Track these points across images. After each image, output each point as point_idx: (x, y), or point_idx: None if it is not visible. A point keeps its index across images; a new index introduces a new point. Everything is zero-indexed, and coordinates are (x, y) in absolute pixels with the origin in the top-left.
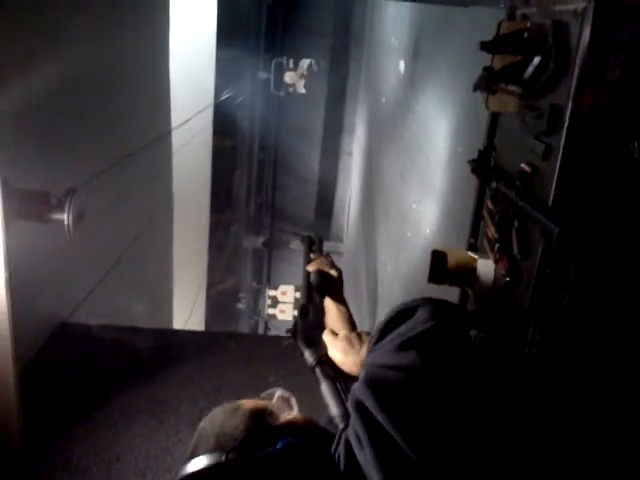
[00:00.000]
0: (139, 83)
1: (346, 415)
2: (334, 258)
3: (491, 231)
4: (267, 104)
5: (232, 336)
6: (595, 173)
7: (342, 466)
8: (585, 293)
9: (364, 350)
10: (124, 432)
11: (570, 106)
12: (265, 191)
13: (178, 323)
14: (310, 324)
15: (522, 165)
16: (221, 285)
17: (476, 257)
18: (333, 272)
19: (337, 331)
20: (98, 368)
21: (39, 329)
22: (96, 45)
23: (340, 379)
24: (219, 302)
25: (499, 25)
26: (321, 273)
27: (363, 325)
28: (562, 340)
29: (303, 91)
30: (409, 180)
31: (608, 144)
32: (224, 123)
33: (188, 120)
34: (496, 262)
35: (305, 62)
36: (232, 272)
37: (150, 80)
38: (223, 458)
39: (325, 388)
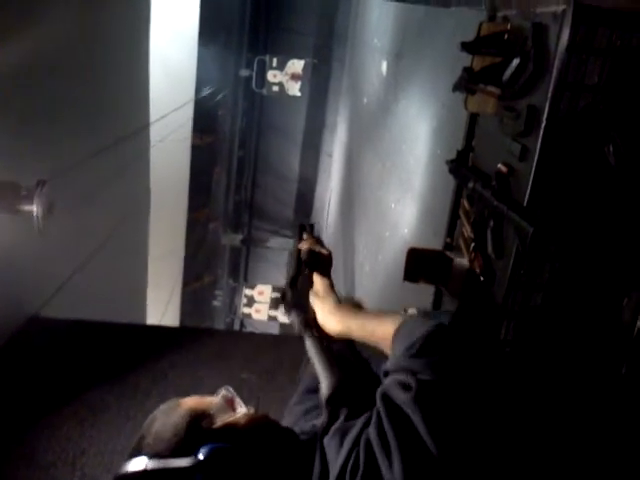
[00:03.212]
0: (117, 74)
1: (331, 372)
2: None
3: (467, 231)
4: (248, 102)
5: (206, 332)
6: (570, 175)
7: (361, 463)
8: (558, 293)
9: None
10: (90, 427)
11: (547, 108)
12: (244, 189)
13: (152, 319)
14: (298, 292)
15: (499, 165)
16: (197, 282)
17: (452, 256)
18: (323, 251)
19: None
20: (67, 363)
21: (6, 323)
22: (72, 32)
23: (324, 338)
24: (195, 299)
25: (480, 26)
26: (311, 251)
27: None
28: (535, 339)
29: (298, 94)
30: (389, 180)
31: (584, 147)
32: (204, 120)
33: (167, 115)
34: (471, 261)
35: (297, 63)
36: (209, 269)
37: (129, 72)
38: (144, 466)
39: (310, 344)
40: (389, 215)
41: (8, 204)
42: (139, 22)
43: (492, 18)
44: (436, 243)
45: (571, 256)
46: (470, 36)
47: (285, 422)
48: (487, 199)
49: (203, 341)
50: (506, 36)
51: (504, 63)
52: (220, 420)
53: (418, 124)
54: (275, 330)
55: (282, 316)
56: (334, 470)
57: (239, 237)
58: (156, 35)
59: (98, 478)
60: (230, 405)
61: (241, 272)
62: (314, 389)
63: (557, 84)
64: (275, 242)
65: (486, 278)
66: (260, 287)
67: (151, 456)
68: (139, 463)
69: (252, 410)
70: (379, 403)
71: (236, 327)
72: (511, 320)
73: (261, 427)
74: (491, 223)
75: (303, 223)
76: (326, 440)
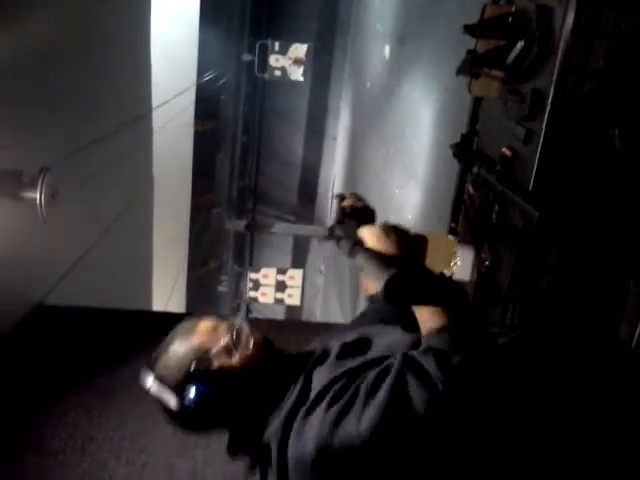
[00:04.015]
0: (118, 60)
1: (387, 268)
2: (316, 243)
3: (471, 216)
4: (251, 87)
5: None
6: (575, 158)
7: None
8: (564, 277)
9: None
10: (98, 414)
11: (552, 91)
12: (248, 174)
13: (158, 305)
14: (344, 228)
15: (503, 150)
16: (202, 268)
17: (456, 241)
18: (367, 205)
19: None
20: (73, 350)
21: (12, 311)
22: (73, 18)
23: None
24: (200, 285)
25: (483, 9)
26: (354, 207)
27: (345, 315)
28: (540, 323)
29: (300, 78)
30: (392, 165)
31: (589, 130)
32: (207, 105)
33: (169, 100)
34: (476, 247)
35: (300, 47)
36: (214, 255)
37: (130, 58)
38: (149, 386)
39: (362, 260)
40: (393, 200)
41: (11, 191)
42: (139, 7)
43: (496, 0)
44: (440, 228)
45: (577, 240)
46: (474, 19)
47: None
48: (492, 183)
49: None
50: (510, 19)
51: (508, 46)
52: (218, 362)
53: (422, 108)
54: (281, 313)
55: (288, 299)
56: (314, 390)
57: (243, 222)
58: (157, 20)
59: (107, 464)
60: (239, 342)
61: (246, 257)
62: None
63: (562, 67)
64: (279, 227)
65: (492, 263)
66: (265, 270)
67: (156, 378)
68: (148, 380)
69: (256, 332)
70: (399, 360)
71: (242, 312)
72: (517, 304)
73: (251, 369)
74: (496, 208)
75: (343, 194)
76: (317, 370)
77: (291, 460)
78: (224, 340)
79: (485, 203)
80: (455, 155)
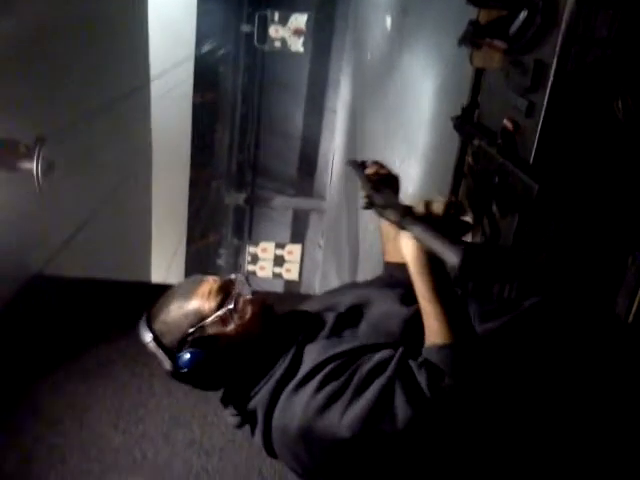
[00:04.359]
0: (116, 30)
1: (454, 245)
2: (316, 216)
3: (471, 189)
4: (250, 59)
5: None
6: (578, 132)
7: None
8: (563, 251)
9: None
10: (96, 384)
11: (555, 63)
12: (247, 147)
13: (157, 277)
14: (384, 194)
15: (504, 122)
16: (201, 241)
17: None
18: (391, 172)
19: None
20: (72, 321)
21: (10, 281)
22: None
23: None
24: (199, 258)
25: None
26: (379, 175)
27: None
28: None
29: (300, 50)
30: (393, 138)
31: (592, 102)
32: (205, 76)
33: (167, 71)
34: (475, 220)
35: (300, 17)
36: (213, 228)
37: (127, 28)
38: (147, 341)
39: (421, 231)
40: None
41: (7, 162)
42: None
43: None
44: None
45: (577, 214)
46: None
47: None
48: (492, 156)
49: None
50: None
51: (511, 16)
52: (214, 329)
53: (423, 81)
54: (280, 287)
55: (286, 273)
56: (306, 366)
57: (242, 196)
58: None
59: (105, 433)
60: (235, 309)
61: (245, 231)
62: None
63: (566, 37)
64: (279, 201)
65: (490, 237)
66: (263, 244)
67: (152, 336)
68: (146, 335)
69: (256, 297)
70: (394, 363)
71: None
72: (515, 278)
73: (246, 336)
74: (496, 180)
75: (355, 160)
76: (310, 345)
77: (276, 430)
78: (222, 310)
79: (485, 176)
80: (456, 128)
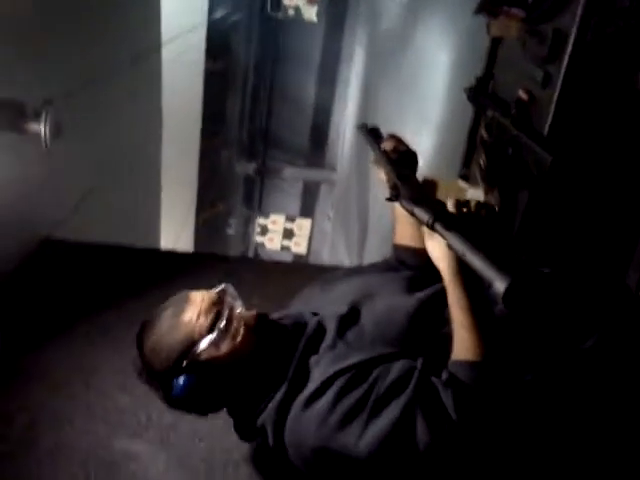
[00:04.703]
0: None
1: (499, 267)
2: (327, 187)
3: (483, 161)
4: (264, 27)
5: (218, 258)
6: (595, 104)
7: (451, 403)
8: (575, 224)
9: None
10: (102, 347)
11: (575, 32)
12: (259, 117)
13: (166, 245)
14: (412, 185)
15: (519, 93)
16: (211, 210)
17: (467, 187)
18: (410, 149)
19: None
20: (80, 285)
21: (19, 245)
22: None
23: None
24: (209, 227)
25: None
26: (399, 151)
27: (352, 257)
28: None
29: (314, 19)
30: (406, 111)
31: (611, 74)
32: (218, 44)
33: (179, 36)
34: (486, 192)
35: None
36: (223, 198)
37: None
38: (139, 370)
39: (454, 238)
40: None
41: (14, 123)
42: None
43: None
44: (451, 175)
45: (590, 188)
46: None
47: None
48: (506, 127)
49: (214, 267)
50: None
51: None
52: (206, 354)
53: (437, 52)
54: (288, 259)
55: (295, 247)
56: (315, 380)
57: (253, 166)
58: None
59: (111, 395)
60: (227, 330)
61: (255, 201)
62: (394, 267)
63: (586, 6)
64: (289, 172)
65: (502, 209)
66: (273, 216)
67: (143, 368)
68: (137, 368)
69: (248, 313)
70: (416, 378)
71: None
72: (525, 250)
73: (241, 355)
74: (509, 152)
75: (366, 124)
76: (315, 356)
77: (290, 447)
78: (214, 334)
79: (498, 148)
80: (469, 99)
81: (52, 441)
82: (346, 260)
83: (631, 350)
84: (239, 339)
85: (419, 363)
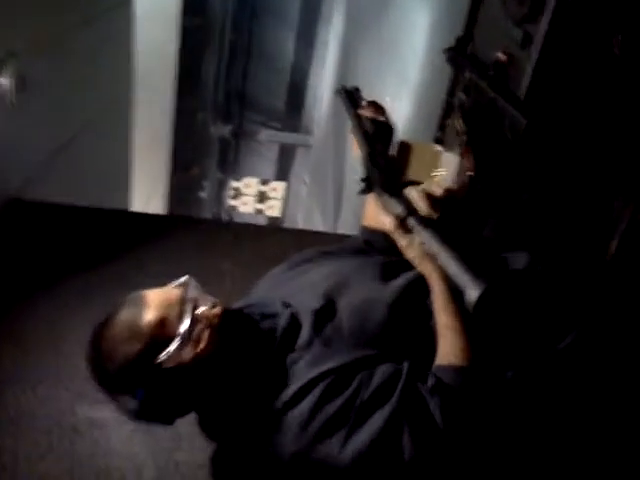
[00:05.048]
0: None
1: (472, 273)
2: (303, 151)
3: (459, 124)
4: None
5: (189, 221)
6: (573, 66)
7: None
8: (547, 192)
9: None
10: (74, 310)
11: None
12: (235, 77)
13: (138, 207)
14: (384, 171)
15: (498, 54)
16: (185, 172)
17: (442, 150)
18: (387, 120)
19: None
20: (48, 247)
21: None
22: None
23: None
24: (182, 189)
25: None
26: (375, 121)
27: (327, 222)
28: (519, 235)
29: None
30: (385, 73)
31: (591, 36)
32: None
33: None
34: (461, 156)
35: None
36: (197, 160)
37: None
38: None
39: (428, 237)
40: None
41: None
42: None
43: None
44: (427, 137)
45: (565, 153)
46: None
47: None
48: (483, 90)
49: (186, 230)
50: None
51: None
52: (167, 363)
53: (418, 13)
54: (262, 223)
55: (268, 210)
56: (293, 385)
57: (229, 128)
58: None
59: (78, 363)
60: (189, 337)
61: (230, 165)
62: (361, 249)
63: None
64: (265, 135)
65: (476, 173)
66: (247, 180)
67: (99, 383)
68: (93, 382)
69: (214, 308)
70: (401, 384)
71: (223, 219)
72: (497, 216)
73: (207, 358)
74: (486, 115)
75: (345, 86)
76: (292, 355)
77: (267, 453)
78: (173, 346)
79: (475, 111)
80: (448, 60)
81: (13, 408)
82: (321, 225)
83: (611, 345)
84: (202, 345)
85: (405, 368)
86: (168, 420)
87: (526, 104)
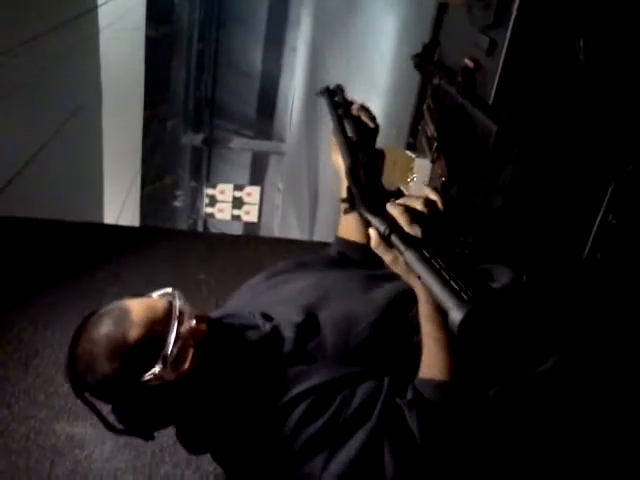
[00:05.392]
0: None
1: (457, 298)
2: (275, 158)
3: (430, 130)
4: None
5: (163, 232)
6: (539, 71)
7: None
8: (519, 196)
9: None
10: (43, 327)
11: None
12: (205, 85)
13: (110, 219)
14: (364, 188)
15: (465, 60)
16: (157, 182)
17: (413, 156)
18: (370, 122)
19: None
20: (19, 261)
21: None
22: None
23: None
24: (155, 199)
25: None
26: (359, 124)
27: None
28: (494, 242)
29: None
30: (354, 78)
31: (554, 41)
32: (159, 8)
33: None
34: (433, 162)
35: None
36: (169, 169)
37: None
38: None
39: (411, 257)
40: None
41: None
42: None
43: None
44: (399, 143)
45: (535, 158)
46: None
47: (268, 296)
48: (452, 96)
49: (160, 241)
50: None
51: None
52: (149, 382)
53: (385, 19)
54: (239, 229)
55: (245, 215)
56: (274, 402)
57: (200, 137)
58: None
59: (53, 378)
60: (173, 357)
61: (203, 172)
62: (334, 261)
63: None
64: (237, 142)
65: (448, 179)
66: (222, 186)
67: (74, 386)
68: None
69: (200, 324)
70: (381, 402)
71: (199, 228)
72: (471, 222)
73: (185, 378)
74: (455, 121)
75: (329, 87)
76: (274, 370)
77: (249, 469)
78: (156, 368)
79: (444, 117)
80: (416, 66)
81: None
82: (297, 231)
83: (595, 366)
84: (187, 364)
85: (385, 384)
86: (147, 435)
87: (495, 110)
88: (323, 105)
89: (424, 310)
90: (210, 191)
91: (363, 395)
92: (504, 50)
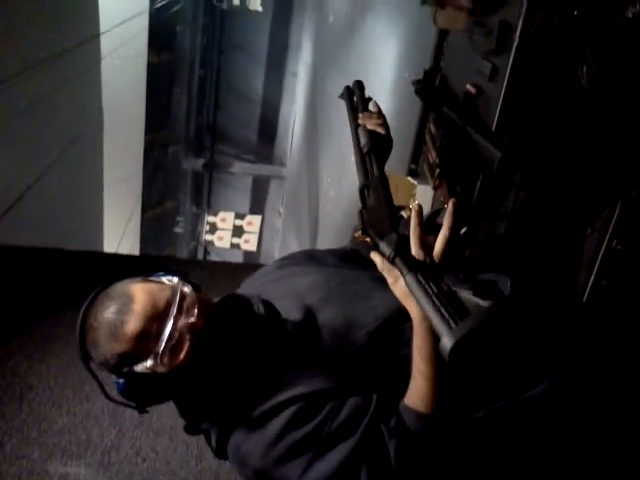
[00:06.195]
0: None
1: (448, 325)
2: (276, 182)
3: (432, 156)
4: (209, 18)
5: (163, 260)
6: (541, 97)
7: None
8: (523, 222)
9: None
10: (39, 361)
11: (520, 24)
12: (206, 110)
13: (110, 247)
14: (374, 210)
15: (467, 86)
16: (158, 208)
17: (415, 183)
18: (382, 130)
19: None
20: (15, 292)
21: None
22: None
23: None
24: (156, 225)
25: None
26: (371, 133)
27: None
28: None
29: (259, 8)
30: None
31: (556, 67)
32: (161, 35)
33: (119, 24)
34: (435, 188)
35: None
36: (170, 195)
37: None
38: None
39: (411, 280)
40: None
41: None
42: None
43: None
44: (401, 169)
45: (537, 184)
46: None
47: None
48: (454, 122)
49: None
50: None
51: None
52: (146, 370)
53: (385, 44)
54: (239, 258)
55: (244, 244)
56: (264, 403)
57: (201, 161)
58: None
59: (47, 414)
60: (171, 349)
61: (204, 198)
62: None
63: None
64: (238, 167)
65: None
66: (222, 214)
67: (82, 357)
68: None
69: (197, 320)
70: (365, 424)
71: (199, 254)
72: (474, 248)
73: (182, 372)
74: (457, 148)
75: (349, 86)
76: (269, 367)
77: (234, 461)
78: (152, 361)
79: (446, 143)
80: (417, 92)
81: None
82: None
83: (586, 392)
84: (181, 357)
85: (373, 402)
86: (142, 408)
87: (496, 136)
88: (322, 130)
89: (416, 341)
90: (211, 219)
91: (350, 409)
92: (507, 76)
